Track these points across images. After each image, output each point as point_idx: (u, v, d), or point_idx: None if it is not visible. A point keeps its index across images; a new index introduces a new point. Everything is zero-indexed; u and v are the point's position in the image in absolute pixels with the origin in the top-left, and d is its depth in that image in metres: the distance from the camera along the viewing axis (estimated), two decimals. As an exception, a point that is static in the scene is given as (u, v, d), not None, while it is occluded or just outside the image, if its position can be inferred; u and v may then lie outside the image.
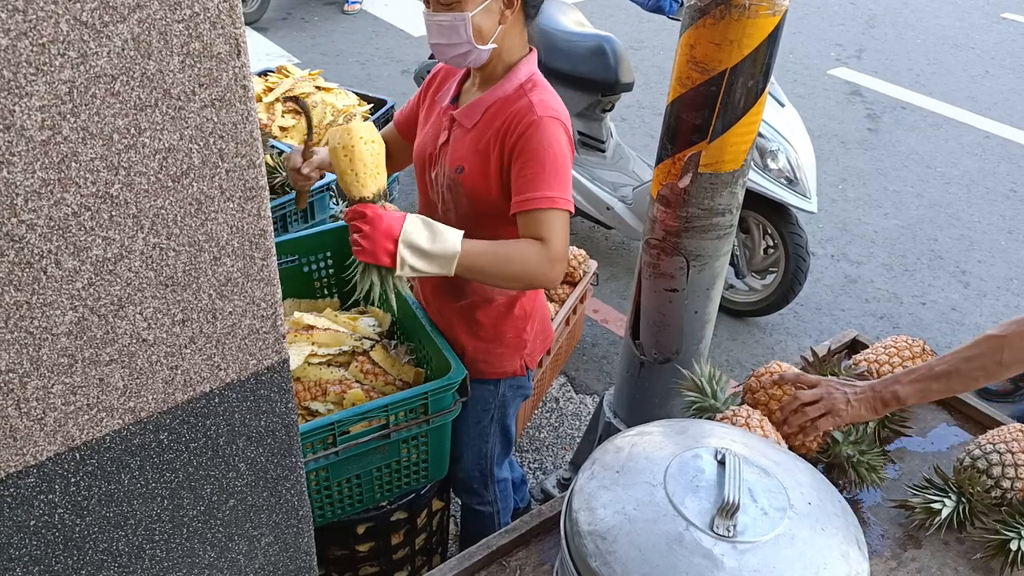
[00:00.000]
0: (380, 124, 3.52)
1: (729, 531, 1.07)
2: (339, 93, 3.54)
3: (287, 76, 3.57)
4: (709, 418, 1.58)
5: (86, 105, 0.81)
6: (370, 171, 1.53)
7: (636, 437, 1.30)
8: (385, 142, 1.88)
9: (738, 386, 1.68)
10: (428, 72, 4.47)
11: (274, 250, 0.99)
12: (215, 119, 0.90)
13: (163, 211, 0.90)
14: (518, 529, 1.44)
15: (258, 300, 1.00)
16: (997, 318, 3.76)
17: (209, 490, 1.08)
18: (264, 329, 1.02)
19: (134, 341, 0.94)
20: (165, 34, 0.84)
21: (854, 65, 6.46)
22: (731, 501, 1.08)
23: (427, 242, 1.49)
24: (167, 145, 0.88)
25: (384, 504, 1.99)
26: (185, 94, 0.87)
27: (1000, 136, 5.44)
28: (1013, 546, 1.37)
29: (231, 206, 0.94)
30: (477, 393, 1.96)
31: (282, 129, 3.29)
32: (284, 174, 2.60)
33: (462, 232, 1.54)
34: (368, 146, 1.53)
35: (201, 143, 0.90)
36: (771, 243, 3.47)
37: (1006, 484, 1.48)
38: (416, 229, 1.49)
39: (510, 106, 1.65)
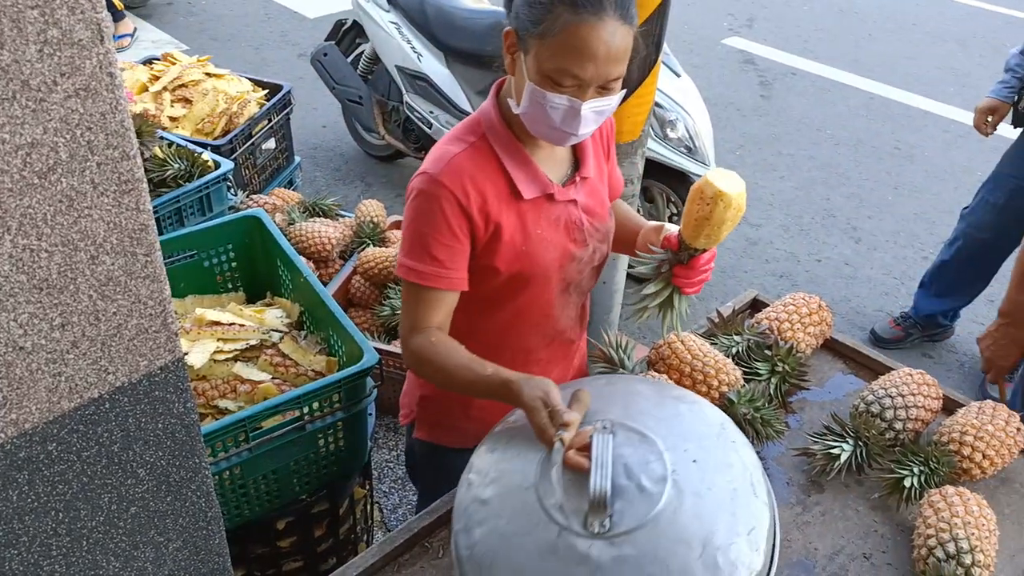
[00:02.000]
0: (278, 110, 3.42)
1: (604, 526, 0.99)
2: (231, 79, 3.41)
3: (174, 63, 3.42)
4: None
5: (-68, 100, 0.75)
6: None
7: (512, 429, 1.21)
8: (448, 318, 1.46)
9: (647, 353, 1.72)
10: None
11: (158, 245, 0.95)
12: (81, 110, 0.85)
13: (31, 210, 0.85)
14: (438, 510, 1.44)
15: (144, 299, 0.96)
16: (887, 271, 3.97)
17: (108, 499, 1.03)
18: (154, 328, 0.98)
19: (10, 349, 0.88)
20: (18, 21, 0.78)
21: (746, 34, 6.65)
22: (599, 494, 0.99)
23: None
24: (29, 140, 0.82)
25: (304, 497, 1.95)
26: (46, 85, 0.82)
27: (883, 97, 5.72)
28: (907, 483, 1.46)
29: (106, 201, 0.89)
30: None
31: (172, 119, 3.16)
32: (177, 166, 2.49)
33: None
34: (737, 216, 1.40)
35: (67, 136, 0.85)
36: (675, 211, 3.55)
37: (898, 426, 1.57)
38: None
39: None
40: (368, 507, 2.26)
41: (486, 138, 1.42)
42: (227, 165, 2.63)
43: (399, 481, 2.74)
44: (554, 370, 1.66)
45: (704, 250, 1.43)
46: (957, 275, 3.32)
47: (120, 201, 0.90)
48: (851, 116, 5.44)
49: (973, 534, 1.32)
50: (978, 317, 3.63)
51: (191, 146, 2.69)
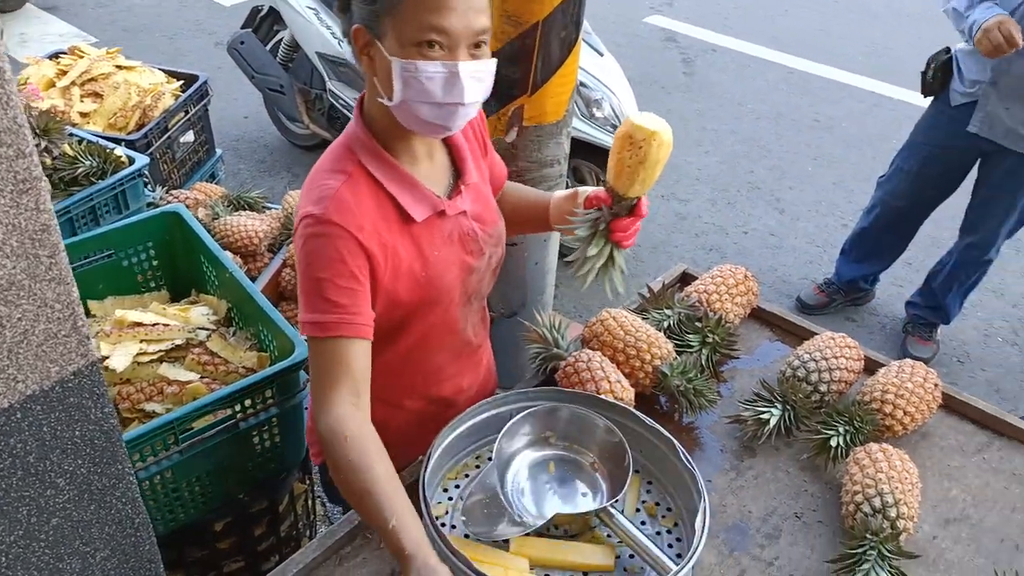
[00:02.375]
0: (195, 101, 3.31)
1: None
2: (143, 71, 3.28)
3: (82, 57, 3.27)
4: (554, 368, 1.62)
5: None
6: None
7: None
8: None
9: (581, 332, 1.74)
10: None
11: (63, 246, 0.90)
12: (-32, 106, 0.80)
13: (-81, 214, 0.80)
14: (378, 500, 1.42)
15: (51, 302, 0.92)
16: (810, 239, 4.09)
17: (26, 511, 0.99)
18: (63, 332, 0.94)
19: (-94, 363, 0.83)
20: None
21: (667, 12, 6.73)
22: None
23: None
24: (-88, 139, 0.78)
25: (242, 496, 1.91)
26: (-74, 80, 0.77)
27: (801, 71, 5.87)
28: (834, 443, 1.51)
29: (2, 202, 0.84)
30: None
31: (82, 115, 3.03)
32: (88, 163, 2.39)
33: None
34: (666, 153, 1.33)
35: (-46, 134, 0.80)
36: (605, 189, 3.59)
37: (823, 388, 1.63)
38: None
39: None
40: (309, 502, 2.23)
41: (362, 164, 1.32)
42: (142, 160, 2.54)
43: (341, 474, 2.71)
44: (464, 380, 1.63)
45: (638, 198, 1.39)
46: (876, 241, 3.45)
47: (18, 201, 0.86)
48: (771, 90, 5.57)
49: (897, 488, 1.37)
50: (897, 280, 3.78)
51: (103, 142, 2.58)
